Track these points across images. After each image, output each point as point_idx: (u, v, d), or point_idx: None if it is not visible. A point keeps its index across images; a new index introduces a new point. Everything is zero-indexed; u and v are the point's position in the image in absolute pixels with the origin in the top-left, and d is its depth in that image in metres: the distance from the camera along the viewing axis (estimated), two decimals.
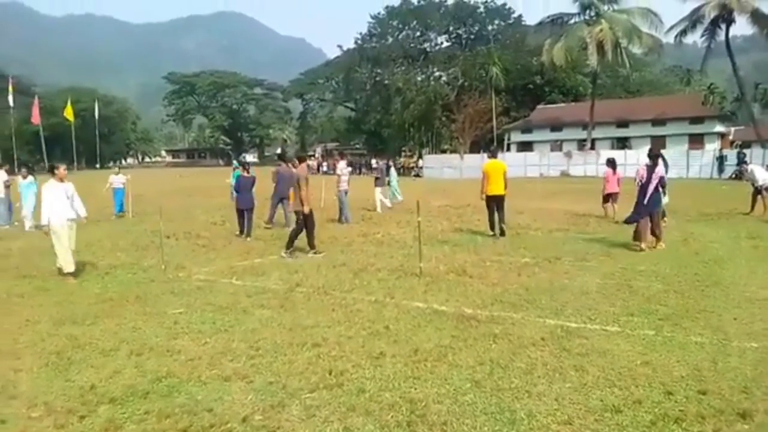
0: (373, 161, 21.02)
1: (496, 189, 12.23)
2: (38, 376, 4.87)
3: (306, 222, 10.45)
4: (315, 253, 10.41)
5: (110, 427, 3.91)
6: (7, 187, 16.22)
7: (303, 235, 10.55)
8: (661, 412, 3.97)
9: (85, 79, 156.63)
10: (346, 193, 15.74)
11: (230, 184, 17.83)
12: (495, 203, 12.31)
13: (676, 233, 12.26)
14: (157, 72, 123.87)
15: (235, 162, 21.02)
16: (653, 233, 10.52)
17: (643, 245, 10.26)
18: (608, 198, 15.17)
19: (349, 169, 16.26)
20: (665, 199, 11.65)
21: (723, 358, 4.93)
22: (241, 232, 12.89)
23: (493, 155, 13.47)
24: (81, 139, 78.79)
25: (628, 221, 11.01)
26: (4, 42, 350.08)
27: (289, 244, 10.47)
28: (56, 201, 8.65)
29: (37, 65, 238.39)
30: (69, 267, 8.62)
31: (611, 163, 15.63)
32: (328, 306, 6.85)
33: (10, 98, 64.43)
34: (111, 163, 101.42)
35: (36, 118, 65.46)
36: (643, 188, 10.47)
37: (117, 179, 18.59)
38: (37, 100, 68.04)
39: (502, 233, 12.15)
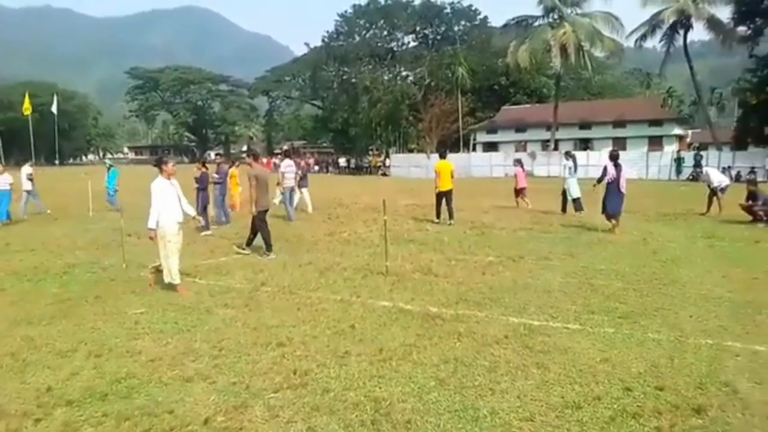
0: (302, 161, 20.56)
1: (446, 185, 14.31)
2: None
3: (253, 222, 10.34)
4: (241, 250, 10.41)
5: (67, 431, 3.82)
6: (30, 179, 17.27)
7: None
8: (619, 408, 4.07)
9: (45, 73, 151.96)
10: (292, 190, 15.84)
11: (105, 186, 18.54)
12: (444, 196, 14.37)
13: (635, 233, 12.57)
14: (119, 67, 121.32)
15: (107, 161, 20.20)
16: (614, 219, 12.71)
17: (617, 230, 12.47)
18: (520, 192, 18.02)
19: (293, 167, 16.09)
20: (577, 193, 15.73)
21: (679, 355, 5.08)
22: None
23: (443, 156, 15.24)
24: (39, 135, 76.31)
25: (612, 214, 12.69)
26: None
27: (248, 242, 10.53)
28: (169, 202, 7.44)
29: None
30: (177, 279, 7.49)
31: (520, 162, 18.94)
32: (294, 305, 6.81)
33: None
34: (71, 159, 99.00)
35: None
36: (615, 184, 12.65)
37: (1, 179, 15.69)
38: None
39: (451, 216, 14.27)
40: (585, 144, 50.72)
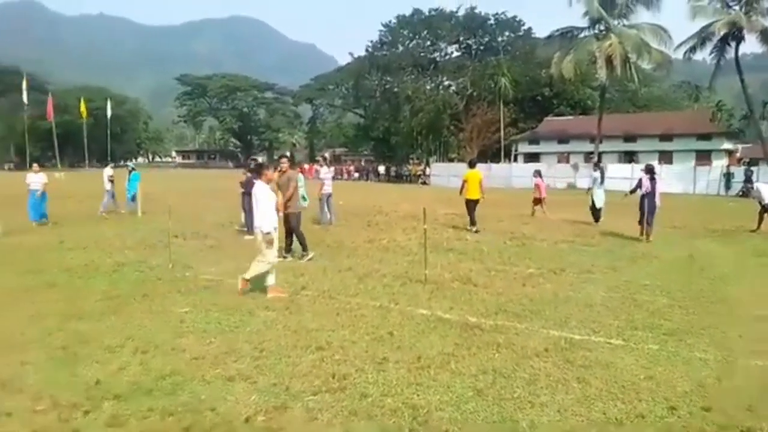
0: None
1: (474, 194, 14.81)
2: (44, 370, 4.91)
3: (286, 226, 10.49)
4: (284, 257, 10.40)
5: (114, 423, 3.95)
6: (111, 180, 18.78)
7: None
8: (663, 427, 3.98)
9: (98, 78, 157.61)
10: (329, 197, 16.05)
11: (126, 188, 18.51)
12: (473, 204, 14.78)
13: (681, 249, 12.24)
14: (169, 74, 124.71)
15: (129, 164, 20.32)
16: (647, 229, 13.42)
17: (651, 237, 13.21)
18: (539, 202, 18.58)
19: (332, 173, 16.49)
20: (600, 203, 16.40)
21: (727, 375, 4.93)
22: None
23: (472, 166, 15.74)
24: (92, 138, 79.38)
25: (649, 222, 13.42)
26: (18, 40, 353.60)
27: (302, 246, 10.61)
28: (269, 206, 7.58)
29: (50, 64, 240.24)
30: (272, 279, 7.65)
31: (539, 173, 19.28)
32: (333, 310, 6.87)
33: (24, 96, 65.04)
34: (122, 162, 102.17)
35: (50, 115, 66.00)
36: (650, 196, 13.37)
37: (36, 178, 15.46)
38: (51, 98, 68.62)
39: (473, 224, 14.72)
40: (630, 157, 49.58)
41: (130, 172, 19.15)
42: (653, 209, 13.42)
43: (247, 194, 13.53)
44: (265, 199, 7.52)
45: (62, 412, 4.10)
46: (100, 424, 3.95)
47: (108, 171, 19.37)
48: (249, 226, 13.30)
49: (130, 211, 18.04)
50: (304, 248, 10.45)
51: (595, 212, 16.55)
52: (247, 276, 7.58)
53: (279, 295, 7.51)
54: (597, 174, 16.84)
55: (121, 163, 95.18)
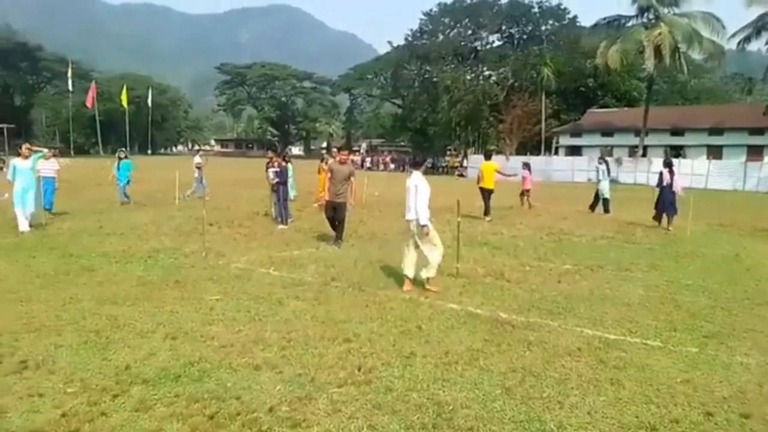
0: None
1: (488, 184, 15.66)
2: (77, 352, 5.01)
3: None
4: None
5: (141, 408, 3.98)
6: (198, 168, 19.73)
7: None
8: None
9: (141, 66, 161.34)
10: None
11: (114, 175, 17.61)
12: (487, 194, 15.58)
13: (727, 247, 11.79)
14: (210, 62, 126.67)
15: (122, 150, 18.92)
16: (661, 218, 14.48)
17: (671, 227, 14.01)
18: (525, 193, 19.19)
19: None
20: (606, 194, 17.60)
21: None
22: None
23: (488, 158, 16.93)
24: (134, 125, 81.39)
25: (669, 213, 14.22)
26: (64, 27, 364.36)
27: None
28: (427, 199, 7.59)
29: (95, 51, 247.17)
30: (432, 272, 7.58)
31: (528, 165, 19.93)
32: (362, 302, 6.83)
33: (70, 83, 67.01)
34: (162, 150, 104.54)
35: (90, 101, 67.78)
36: (669, 188, 14.27)
37: (47, 165, 14.36)
38: (94, 85, 70.50)
39: (487, 213, 15.43)
40: (677, 151, 48.12)
41: (119, 160, 17.66)
42: (673, 200, 14.31)
43: (281, 184, 13.60)
44: (426, 191, 7.55)
45: (92, 395, 4.16)
46: (127, 408, 3.99)
47: (196, 159, 20.48)
48: (283, 217, 13.39)
49: (121, 203, 17.00)
50: (339, 237, 10.88)
51: (603, 202, 17.61)
52: (432, 274, 7.53)
53: (433, 290, 7.42)
54: (603, 167, 17.87)
55: (161, 151, 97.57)
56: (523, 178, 19.45)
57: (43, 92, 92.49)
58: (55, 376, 4.49)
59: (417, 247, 7.62)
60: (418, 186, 7.48)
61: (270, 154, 15.27)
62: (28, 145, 12.37)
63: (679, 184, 14.50)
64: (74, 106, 71.27)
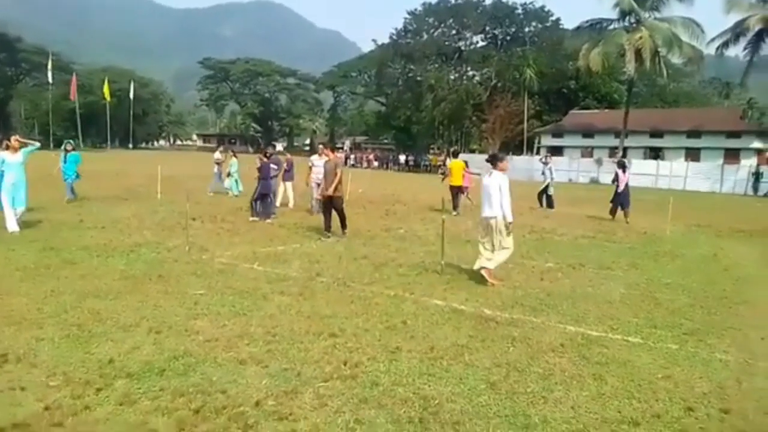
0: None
1: (456, 181, 16.60)
2: (59, 346, 4.94)
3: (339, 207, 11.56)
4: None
5: (125, 402, 3.95)
6: (217, 164, 20.17)
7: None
8: (680, 428, 3.88)
9: (125, 60, 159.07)
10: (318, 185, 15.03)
11: (60, 168, 16.50)
12: (456, 190, 16.59)
13: (705, 248, 12.01)
14: (194, 57, 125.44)
15: (69, 141, 17.51)
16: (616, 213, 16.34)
17: (628, 220, 15.73)
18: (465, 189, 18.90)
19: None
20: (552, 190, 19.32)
21: (748, 378, 4.80)
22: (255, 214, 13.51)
23: (455, 156, 18.47)
24: (115, 119, 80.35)
25: (625, 208, 16.02)
26: (46, 19, 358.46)
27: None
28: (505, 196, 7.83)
29: (78, 44, 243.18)
30: (492, 265, 7.83)
31: (466, 164, 19.10)
32: (347, 297, 6.84)
33: (50, 74, 65.92)
34: (143, 144, 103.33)
35: (73, 94, 66.81)
36: (626, 187, 16.12)
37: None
38: (75, 78, 69.43)
39: (455, 208, 16.31)
40: (655, 153, 48.79)
41: (66, 152, 16.38)
42: (628, 196, 16.18)
43: (263, 179, 13.56)
44: (505, 189, 7.74)
45: (75, 388, 4.11)
46: (111, 401, 3.95)
47: (216, 155, 20.72)
48: (259, 212, 13.38)
49: (68, 200, 15.62)
50: (344, 227, 11.51)
51: (549, 199, 19.28)
52: (492, 265, 7.76)
53: (495, 282, 7.67)
54: (550, 166, 19.63)
55: (142, 145, 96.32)
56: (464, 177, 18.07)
57: (21, 84, 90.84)
58: (37, 370, 4.43)
59: (491, 243, 7.90)
60: (501, 186, 7.75)
61: (270, 150, 15.23)
62: (17, 137, 11.38)
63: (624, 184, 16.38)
64: (54, 98, 70.12)
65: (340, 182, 11.30)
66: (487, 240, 7.96)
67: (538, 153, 56.18)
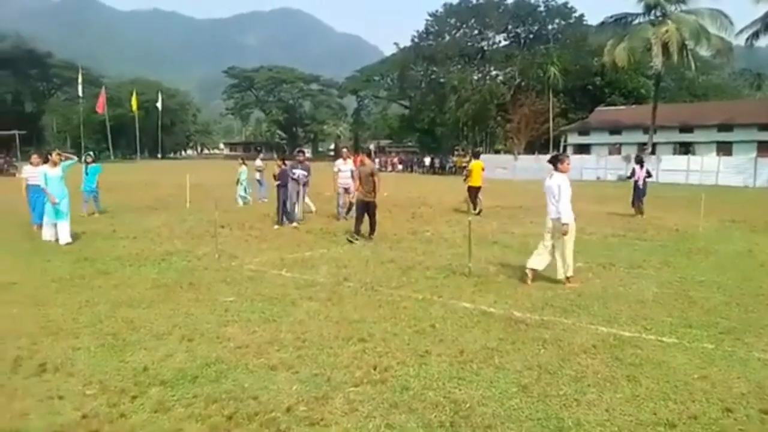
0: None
1: (476, 182, 16.66)
2: (95, 355, 5.05)
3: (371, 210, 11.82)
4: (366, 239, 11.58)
5: (160, 409, 4.01)
6: (260, 171, 20.44)
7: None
8: (718, 430, 3.79)
9: (150, 71, 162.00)
10: (345, 190, 14.77)
11: (83, 182, 15.59)
12: (476, 191, 16.49)
13: (740, 243, 11.72)
14: (218, 66, 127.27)
15: (89, 153, 17.62)
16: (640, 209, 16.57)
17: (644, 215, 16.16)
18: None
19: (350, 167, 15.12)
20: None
21: None
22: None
23: (476, 157, 18.29)
24: (144, 130, 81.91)
25: (641, 202, 16.61)
26: (74, 34, 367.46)
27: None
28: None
29: (104, 58, 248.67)
30: (570, 271, 7.88)
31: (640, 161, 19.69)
32: (375, 302, 6.85)
33: (80, 88, 67.52)
34: (172, 154, 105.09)
35: (101, 107, 68.24)
36: (644, 183, 16.74)
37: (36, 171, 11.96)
38: (104, 91, 70.93)
39: (475, 207, 15.91)
40: (686, 148, 47.84)
41: (87, 164, 16.00)
42: (644, 192, 16.75)
43: (282, 186, 13.61)
44: (566, 191, 7.76)
45: (111, 396, 4.20)
46: (146, 409, 4.02)
47: (258, 162, 20.92)
48: (280, 218, 13.48)
49: (88, 214, 15.16)
50: (373, 231, 11.67)
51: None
52: (570, 273, 7.81)
53: (576, 285, 7.71)
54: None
55: (171, 155, 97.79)
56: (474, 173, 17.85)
57: (53, 98, 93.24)
58: (74, 379, 4.53)
59: (553, 245, 7.92)
60: (561, 186, 7.71)
61: (300, 157, 15.27)
62: (58, 152, 11.81)
63: (643, 179, 16.86)
64: (84, 111, 71.76)
65: (377, 187, 11.55)
66: (553, 241, 7.97)
67: (564, 151, 55.57)
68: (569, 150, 55.91)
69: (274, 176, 13.93)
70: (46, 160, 11.42)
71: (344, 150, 14.69)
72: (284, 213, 13.61)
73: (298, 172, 14.34)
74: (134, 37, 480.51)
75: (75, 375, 4.60)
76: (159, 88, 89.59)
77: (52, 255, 9.69)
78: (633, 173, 17.10)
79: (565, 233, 7.70)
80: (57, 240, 10.85)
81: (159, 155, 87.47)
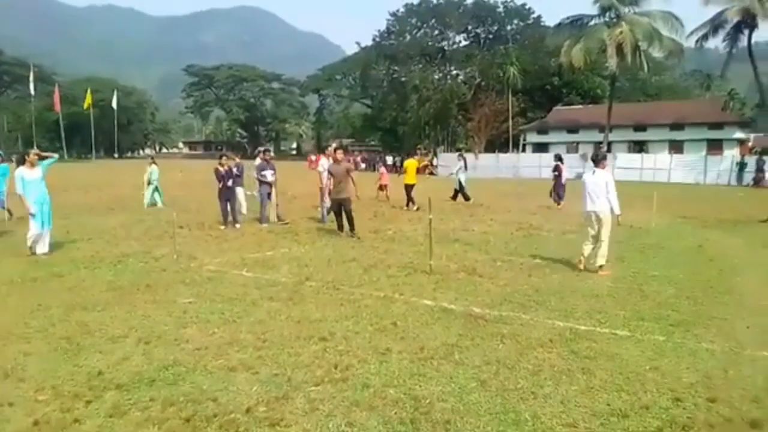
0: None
1: (410, 179, 18.34)
2: (47, 360, 4.92)
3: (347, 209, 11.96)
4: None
5: (115, 413, 3.94)
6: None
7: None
8: (668, 419, 3.92)
9: (107, 69, 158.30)
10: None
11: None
12: (410, 188, 18.03)
13: (690, 239, 12.12)
14: (176, 64, 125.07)
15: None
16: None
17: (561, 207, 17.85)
18: (383, 188, 21.53)
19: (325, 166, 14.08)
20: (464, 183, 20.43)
21: (734, 367, 4.86)
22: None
23: (410, 156, 20.91)
24: (99, 129, 79.84)
25: (561, 196, 18.47)
26: (28, 31, 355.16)
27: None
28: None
29: (59, 55, 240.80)
30: (604, 260, 8.60)
31: (385, 163, 23.54)
32: (337, 301, 6.85)
33: (32, 86, 65.40)
34: (129, 153, 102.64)
35: (57, 106, 66.29)
36: (561, 179, 18.63)
37: None
38: (58, 89, 68.86)
39: (412, 203, 17.78)
40: (640, 146, 49.20)
41: None
42: (564, 186, 18.60)
43: (226, 187, 13.22)
44: (614, 185, 8.53)
45: (64, 402, 4.10)
46: (101, 414, 3.94)
47: (257, 161, 20.11)
48: (224, 218, 13.19)
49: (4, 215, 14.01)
50: (352, 228, 11.84)
51: (464, 193, 20.22)
52: (603, 261, 8.56)
53: (608, 273, 8.45)
54: (461, 163, 20.73)
55: (128, 154, 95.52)
56: (381, 174, 22.26)
57: (3, 97, 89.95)
58: (26, 384, 4.40)
59: (595, 235, 8.66)
60: (608, 183, 8.48)
61: (267, 156, 14.63)
62: (36, 151, 10.29)
63: (564, 174, 19.04)
64: (37, 110, 69.48)
65: (354, 185, 11.88)
66: (593, 233, 8.70)
67: (524, 150, 56.49)
68: (528, 149, 56.87)
69: (217, 176, 13.27)
70: (22, 161, 9.95)
71: (330, 148, 13.45)
72: (226, 213, 13.33)
73: (268, 174, 13.81)
74: (91, 34, 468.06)
75: (26, 380, 4.47)
76: (114, 86, 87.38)
77: (2, 257, 9.36)
78: (557, 169, 18.95)
79: (618, 222, 8.70)
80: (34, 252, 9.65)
81: (116, 155, 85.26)
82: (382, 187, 21.76)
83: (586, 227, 8.92)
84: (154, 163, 18.33)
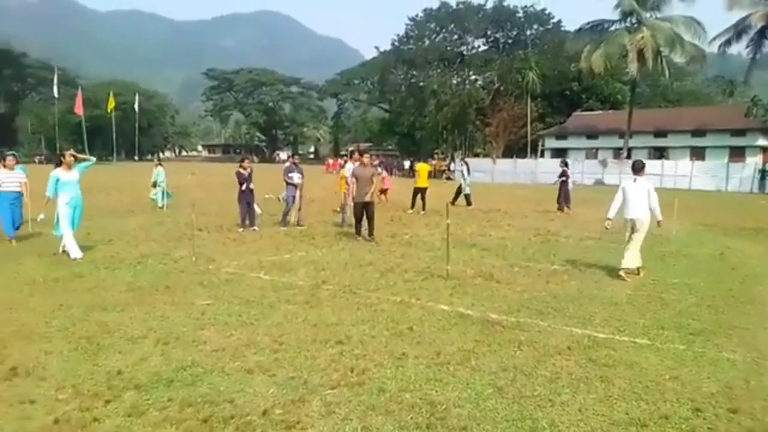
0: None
1: (422, 183, 18.56)
2: (68, 359, 4.98)
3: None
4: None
5: (134, 413, 3.97)
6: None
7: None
8: (688, 429, 3.87)
9: (129, 73, 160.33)
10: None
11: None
12: (420, 192, 18.30)
13: (712, 247, 11.96)
14: (197, 68, 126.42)
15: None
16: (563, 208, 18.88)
17: (570, 212, 18.49)
18: (384, 192, 21.07)
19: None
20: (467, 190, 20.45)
21: (756, 377, 4.77)
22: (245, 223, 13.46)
23: (424, 161, 20.76)
24: (121, 131, 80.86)
25: (568, 206, 18.89)
26: (52, 35, 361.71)
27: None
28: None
29: (83, 58, 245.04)
30: (632, 265, 8.79)
31: (384, 167, 23.02)
32: (353, 305, 6.85)
33: (55, 89, 66.50)
34: (149, 155, 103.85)
35: (79, 108, 67.25)
36: (568, 184, 19.02)
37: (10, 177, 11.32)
38: (81, 92, 69.87)
39: (424, 208, 18.07)
40: (660, 153, 48.64)
41: None
42: (569, 191, 19.05)
43: (245, 191, 13.34)
44: (655, 192, 8.79)
45: (84, 401, 4.14)
46: (120, 413, 3.98)
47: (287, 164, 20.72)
48: (242, 221, 13.32)
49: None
50: (371, 232, 11.98)
51: (466, 196, 20.27)
52: (633, 265, 8.72)
53: (632, 277, 8.63)
54: (464, 168, 21.11)
55: (148, 157, 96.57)
56: (383, 178, 21.17)
57: (27, 99, 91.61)
58: (46, 383, 4.46)
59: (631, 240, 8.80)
60: (650, 190, 8.73)
61: (296, 159, 14.92)
62: (72, 152, 10.05)
63: (571, 180, 19.54)
64: (60, 112, 70.61)
65: (377, 188, 12.15)
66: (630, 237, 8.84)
67: (542, 156, 56.17)
68: (547, 154, 56.53)
69: (240, 179, 13.44)
70: (59, 163, 9.82)
71: (355, 153, 13.88)
72: (249, 217, 13.50)
73: (295, 176, 13.89)
74: (113, 38, 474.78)
75: (47, 379, 4.53)
76: (136, 90, 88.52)
77: (25, 258, 9.52)
78: (563, 174, 19.11)
79: (657, 225, 9.00)
80: (65, 251, 9.57)
81: (136, 157, 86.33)
82: (383, 191, 21.34)
83: (624, 233, 9.01)
84: (160, 164, 18.72)
